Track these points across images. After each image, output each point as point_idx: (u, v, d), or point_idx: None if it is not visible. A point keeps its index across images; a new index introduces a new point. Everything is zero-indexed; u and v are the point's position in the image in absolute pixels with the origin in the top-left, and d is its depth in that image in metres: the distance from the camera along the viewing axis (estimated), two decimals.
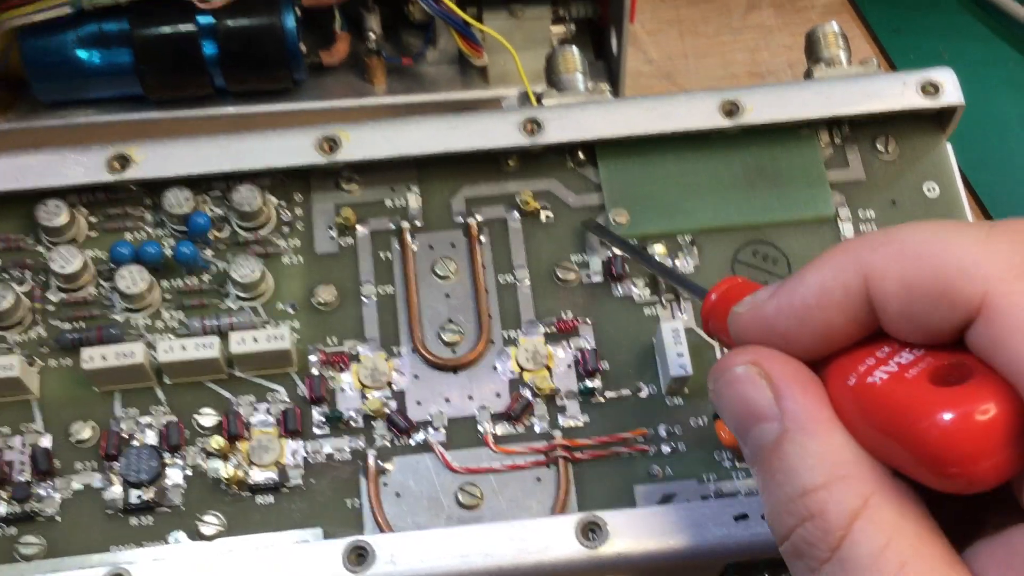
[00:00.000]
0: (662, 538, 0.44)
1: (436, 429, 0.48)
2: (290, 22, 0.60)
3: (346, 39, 0.64)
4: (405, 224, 0.52)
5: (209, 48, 0.60)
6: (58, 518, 0.47)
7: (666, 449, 0.48)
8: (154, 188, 0.52)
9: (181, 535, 0.46)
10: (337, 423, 0.48)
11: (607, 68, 0.66)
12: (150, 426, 0.48)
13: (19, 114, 0.64)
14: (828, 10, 0.73)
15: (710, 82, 0.70)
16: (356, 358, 0.49)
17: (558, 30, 0.65)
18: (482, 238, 0.52)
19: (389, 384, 0.49)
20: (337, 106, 0.64)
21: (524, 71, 0.60)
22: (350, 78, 0.65)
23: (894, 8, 0.72)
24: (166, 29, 0.60)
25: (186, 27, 0.60)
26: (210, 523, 0.46)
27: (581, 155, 0.53)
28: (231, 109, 0.64)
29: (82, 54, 0.60)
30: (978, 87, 0.67)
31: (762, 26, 0.72)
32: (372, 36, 0.63)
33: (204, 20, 0.60)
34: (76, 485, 0.47)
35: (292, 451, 0.48)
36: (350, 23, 0.64)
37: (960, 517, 0.32)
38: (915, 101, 0.52)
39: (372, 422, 0.48)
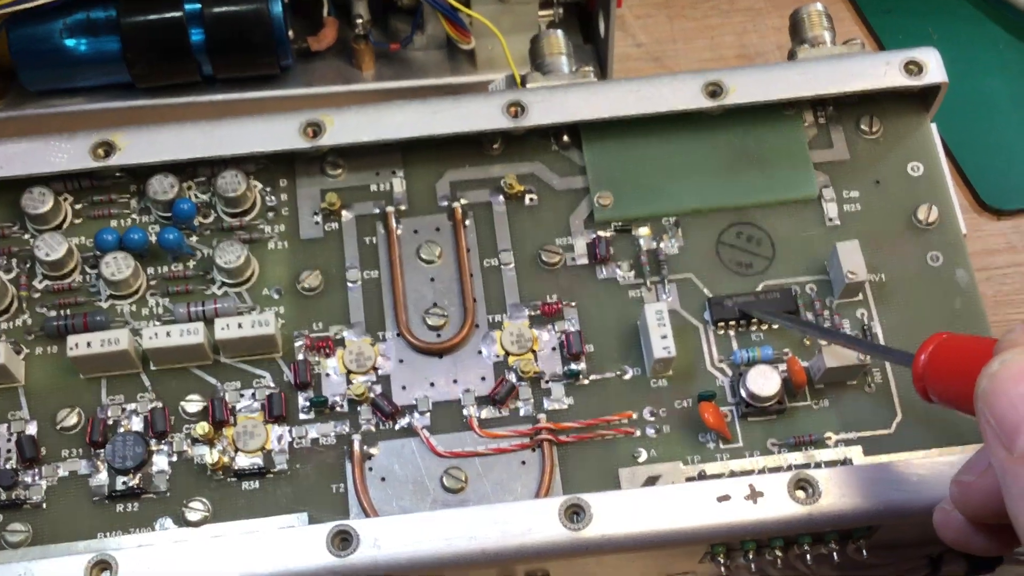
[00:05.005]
0: (646, 520, 0.44)
1: (421, 413, 0.48)
2: (277, 8, 0.60)
3: (334, 25, 0.63)
4: (390, 208, 0.52)
5: (196, 35, 0.60)
6: (44, 505, 0.47)
7: (650, 431, 0.48)
8: (139, 174, 0.52)
9: (167, 521, 0.46)
10: (322, 408, 0.48)
11: (595, 52, 0.66)
12: (136, 412, 0.48)
13: (7, 103, 0.64)
14: None
15: (698, 65, 0.69)
16: (341, 343, 0.49)
17: (546, 14, 0.65)
18: (467, 222, 0.52)
19: (374, 369, 0.49)
20: (325, 92, 0.64)
21: (512, 56, 0.60)
22: (338, 64, 0.65)
23: None
24: (153, 16, 0.60)
25: (173, 14, 0.60)
26: (196, 509, 0.46)
27: (566, 138, 0.53)
28: (219, 96, 0.63)
29: (70, 42, 0.60)
30: (967, 67, 0.67)
31: (751, 9, 0.72)
32: (360, 21, 0.63)
33: (191, 7, 0.60)
34: (62, 472, 0.47)
35: (277, 436, 0.48)
36: (338, 9, 0.64)
37: None
38: (898, 80, 0.52)
39: (357, 407, 0.48)
